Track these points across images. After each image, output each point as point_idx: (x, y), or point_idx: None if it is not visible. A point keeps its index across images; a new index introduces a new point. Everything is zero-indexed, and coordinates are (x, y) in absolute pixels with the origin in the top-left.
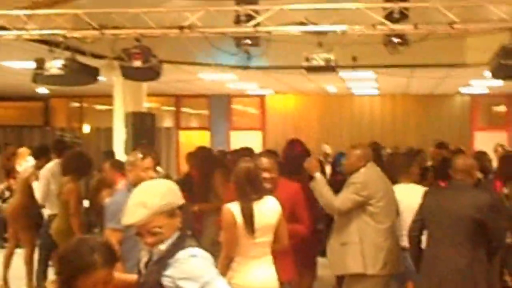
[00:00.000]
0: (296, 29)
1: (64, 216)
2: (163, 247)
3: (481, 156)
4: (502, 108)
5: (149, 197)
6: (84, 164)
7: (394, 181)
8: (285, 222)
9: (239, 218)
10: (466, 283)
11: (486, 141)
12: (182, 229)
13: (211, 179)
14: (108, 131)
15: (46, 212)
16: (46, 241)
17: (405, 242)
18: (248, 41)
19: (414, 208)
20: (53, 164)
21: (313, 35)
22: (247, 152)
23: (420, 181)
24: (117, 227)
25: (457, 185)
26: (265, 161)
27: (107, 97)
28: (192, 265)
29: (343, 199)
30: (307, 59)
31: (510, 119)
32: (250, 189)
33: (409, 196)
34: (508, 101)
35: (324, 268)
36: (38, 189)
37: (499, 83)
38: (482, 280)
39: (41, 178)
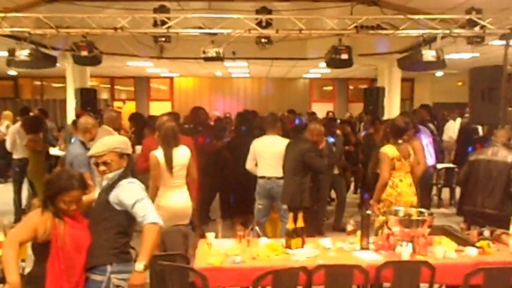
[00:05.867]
0: (196, 31)
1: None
2: (111, 175)
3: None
4: (329, 88)
5: (108, 140)
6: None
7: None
8: (194, 163)
9: (162, 160)
10: None
11: (320, 109)
12: (127, 168)
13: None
14: (63, 102)
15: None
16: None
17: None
18: (163, 39)
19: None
20: (18, 125)
21: (207, 36)
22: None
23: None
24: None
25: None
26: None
27: (61, 78)
28: (130, 187)
29: None
30: (204, 52)
31: (335, 94)
32: (172, 140)
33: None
34: (333, 83)
35: None
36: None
37: (328, 71)
38: None
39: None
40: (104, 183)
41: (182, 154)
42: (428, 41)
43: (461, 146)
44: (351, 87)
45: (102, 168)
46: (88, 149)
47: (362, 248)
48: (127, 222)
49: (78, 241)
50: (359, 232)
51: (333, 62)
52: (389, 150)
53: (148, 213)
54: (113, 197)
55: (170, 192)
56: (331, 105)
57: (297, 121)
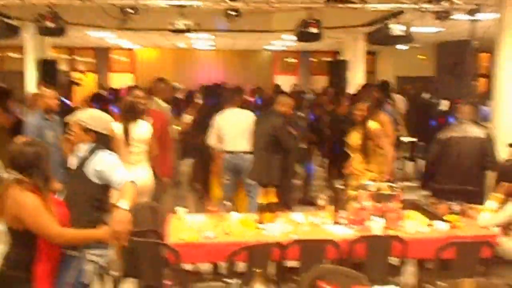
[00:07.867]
0: (164, 3)
1: None
2: (85, 147)
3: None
4: (293, 60)
5: (81, 112)
6: None
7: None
8: (155, 138)
9: (119, 132)
10: None
11: (283, 82)
12: (104, 143)
13: None
14: (20, 74)
15: None
16: None
17: None
18: (131, 10)
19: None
20: None
21: (176, 7)
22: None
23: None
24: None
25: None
26: (140, 93)
27: (18, 48)
28: (106, 156)
29: None
30: (172, 24)
31: (298, 67)
32: (130, 114)
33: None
34: (296, 56)
35: None
36: None
37: (292, 43)
38: None
39: None
40: (80, 154)
41: (142, 129)
42: (395, 14)
43: (421, 120)
44: (314, 60)
45: (68, 136)
46: (46, 119)
47: (335, 223)
48: (103, 195)
49: (60, 218)
50: (330, 207)
51: (302, 35)
52: (377, 125)
53: (125, 176)
54: (89, 167)
55: (129, 169)
56: (294, 78)
57: (258, 101)
